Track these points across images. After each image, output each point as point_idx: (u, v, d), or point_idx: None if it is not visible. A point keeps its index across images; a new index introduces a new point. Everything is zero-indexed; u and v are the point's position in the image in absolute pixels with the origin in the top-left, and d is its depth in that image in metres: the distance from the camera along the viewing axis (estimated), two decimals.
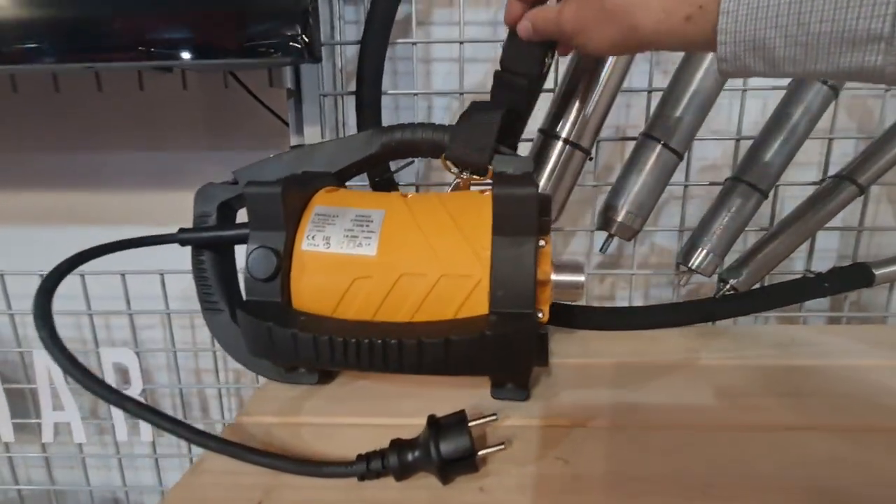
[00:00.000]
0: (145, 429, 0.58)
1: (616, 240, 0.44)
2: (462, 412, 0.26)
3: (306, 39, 0.36)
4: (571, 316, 0.48)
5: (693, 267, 0.45)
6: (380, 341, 0.25)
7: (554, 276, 0.32)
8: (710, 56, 0.39)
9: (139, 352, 0.56)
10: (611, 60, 0.39)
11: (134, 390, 0.55)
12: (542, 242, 0.31)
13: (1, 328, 0.59)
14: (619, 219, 0.43)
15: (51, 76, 0.50)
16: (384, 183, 0.45)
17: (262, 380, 0.36)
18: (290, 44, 0.36)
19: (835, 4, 0.21)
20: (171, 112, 0.60)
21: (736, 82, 0.44)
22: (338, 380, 0.37)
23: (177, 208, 0.63)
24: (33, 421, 0.58)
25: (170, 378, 0.66)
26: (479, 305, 0.28)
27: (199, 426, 0.26)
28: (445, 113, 0.59)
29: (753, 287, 0.47)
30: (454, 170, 0.35)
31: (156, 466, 0.63)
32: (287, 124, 0.50)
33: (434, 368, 0.27)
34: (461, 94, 0.49)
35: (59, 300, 0.29)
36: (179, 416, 0.67)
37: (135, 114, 0.60)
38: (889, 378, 0.37)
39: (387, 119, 0.45)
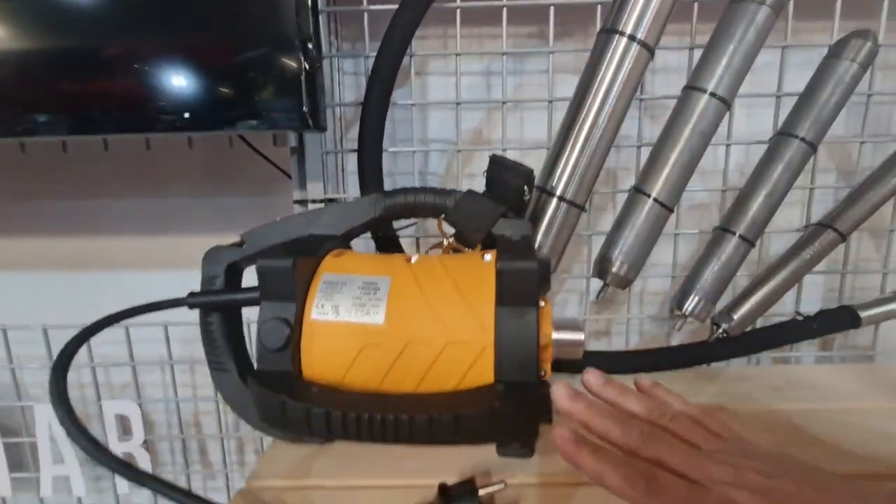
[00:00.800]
0: None
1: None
2: (472, 479, 0.27)
3: (311, 110, 0.38)
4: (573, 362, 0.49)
5: (686, 313, 0.47)
6: (392, 417, 0.26)
7: (555, 336, 0.33)
8: (696, 113, 0.42)
9: (141, 402, 0.56)
10: (603, 118, 0.41)
11: (136, 441, 0.55)
12: (541, 303, 0.33)
13: (3, 381, 0.59)
14: (614, 270, 0.44)
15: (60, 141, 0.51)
16: (386, 240, 0.46)
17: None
18: (296, 114, 0.37)
19: None
20: (174, 163, 0.62)
21: (721, 136, 0.46)
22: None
23: (181, 253, 0.64)
24: (32, 475, 0.57)
25: (168, 419, 0.66)
26: (484, 373, 0.29)
27: (200, 476, 0.26)
28: (441, 157, 0.61)
29: (745, 330, 0.48)
30: (447, 232, 0.36)
31: None
32: (290, 177, 0.51)
33: (444, 440, 0.27)
34: (458, 150, 0.51)
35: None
36: (178, 460, 0.66)
37: (140, 164, 0.61)
38: (882, 422, 0.38)
39: (385, 165, 0.46)
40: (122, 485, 0.56)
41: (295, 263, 0.30)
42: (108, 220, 0.64)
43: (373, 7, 0.48)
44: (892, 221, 0.52)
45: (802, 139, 0.43)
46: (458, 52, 0.49)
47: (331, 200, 0.50)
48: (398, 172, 0.61)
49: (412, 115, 0.56)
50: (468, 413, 0.26)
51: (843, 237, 0.46)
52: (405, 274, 0.33)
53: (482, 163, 0.38)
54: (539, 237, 0.43)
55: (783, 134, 0.44)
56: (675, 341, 0.53)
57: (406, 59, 0.44)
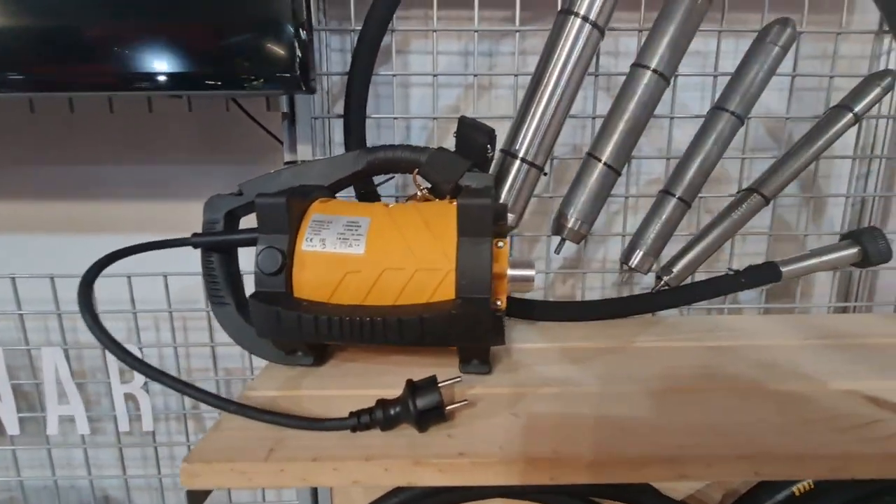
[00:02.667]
0: (147, 420, 0.62)
1: (576, 248, 0.52)
2: (433, 376, 0.33)
3: (302, 74, 0.43)
4: (532, 309, 0.56)
5: (632, 266, 0.53)
6: (368, 319, 0.32)
7: (509, 271, 0.39)
8: (641, 87, 0.48)
9: (141, 346, 0.61)
10: (560, 88, 0.46)
11: (136, 384, 0.60)
12: (500, 244, 0.39)
13: (11, 330, 0.63)
14: (569, 225, 0.50)
15: (67, 100, 0.55)
16: (368, 195, 0.52)
17: (255, 374, 0.42)
18: (288, 77, 0.43)
19: None
20: (175, 129, 0.66)
21: (663, 110, 0.52)
22: (330, 362, 0.43)
23: (179, 216, 0.69)
24: (39, 415, 0.62)
25: (162, 363, 0.71)
26: (447, 292, 0.35)
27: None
28: (422, 132, 0.66)
29: (683, 283, 0.55)
30: (421, 184, 0.42)
31: (155, 455, 0.67)
32: (282, 143, 0.56)
33: (411, 341, 0.33)
34: (434, 118, 0.57)
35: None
36: (172, 405, 0.71)
37: (142, 130, 0.66)
38: (782, 353, 0.45)
39: (370, 138, 0.52)
40: (124, 423, 0.62)
41: (288, 200, 0.35)
42: (112, 186, 0.69)
43: None
44: (811, 189, 0.59)
45: (732, 112, 0.49)
46: (434, 28, 0.55)
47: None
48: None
49: (393, 91, 0.61)
50: (430, 315, 0.32)
51: (767, 200, 0.52)
52: (383, 215, 0.39)
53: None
54: (503, 195, 0.49)
55: (717, 108, 0.50)
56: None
57: (388, 37, 0.49)
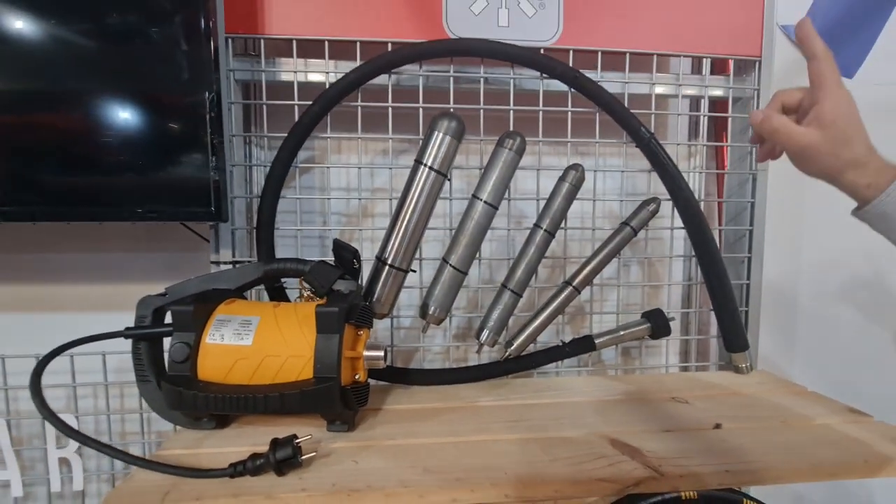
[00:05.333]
0: (78, 481, 0.71)
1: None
2: (293, 435, 0.46)
3: (216, 208, 0.59)
4: (407, 375, 0.70)
5: (482, 342, 0.69)
6: (251, 395, 0.46)
7: (365, 353, 0.54)
8: (476, 212, 0.66)
9: (78, 416, 0.71)
10: (416, 214, 0.63)
11: (71, 448, 0.70)
12: (360, 332, 0.54)
13: None
14: (430, 312, 0.66)
15: None
16: (276, 290, 0.66)
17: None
18: (203, 211, 0.58)
19: None
20: (115, 227, 0.79)
21: (503, 223, 0.71)
22: (232, 426, 0.56)
23: (119, 299, 0.81)
24: None
25: (97, 428, 0.79)
26: (309, 373, 0.49)
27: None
28: (338, 223, 0.82)
29: (523, 353, 0.71)
30: (305, 288, 0.58)
31: None
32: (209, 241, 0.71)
33: (282, 411, 0.47)
34: (330, 228, 0.73)
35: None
36: (104, 466, 0.79)
37: (88, 230, 0.79)
38: (579, 408, 0.61)
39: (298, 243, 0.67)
40: (56, 483, 0.70)
41: (194, 307, 0.50)
42: (59, 271, 0.80)
43: (270, 135, 0.70)
44: (618, 277, 0.79)
45: (545, 230, 0.68)
46: (329, 165, 0.72)
47: (237, 262, 0.70)
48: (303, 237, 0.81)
49: (297, 210, 0.76)
50: (288, 392, 0.46)
51: (578, 291, 0.71)
52: (270, 314, 0.53)
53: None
54: (377, 291, 0.64)
55: (536, 226, 0.69)
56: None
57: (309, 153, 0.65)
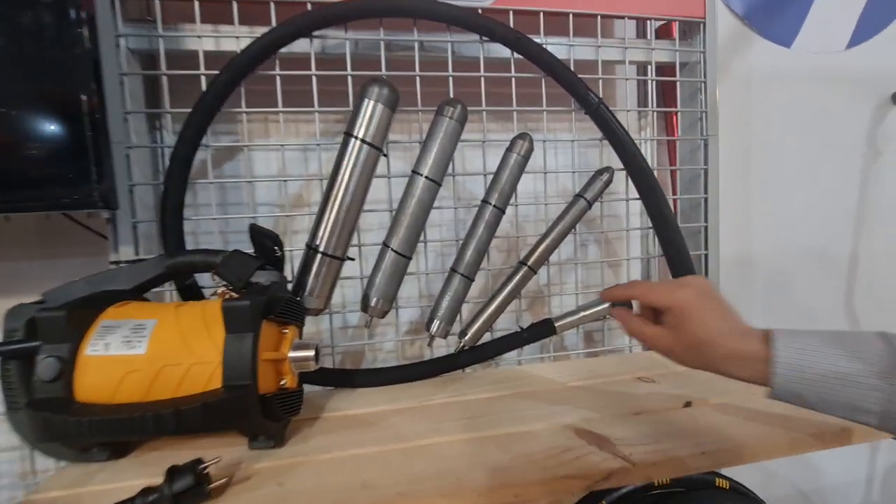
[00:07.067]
0: None
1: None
2: (196, 460, 0.38)
3: (101, 195, 0.49)
4: (351, 377, 0.63)
5: (433, 333, 0.62)
6: (127, 417, 0.37)
7: (290, 353, 0.46)
8: (418, 189, 0.59)
9: None
10: (349, 194, 0.56)
11: None
12: (285, 330, 0.46)
13: None
14: (373, 304, 0.59)
15: None
16: (188, 288, 0.57)
17: None
18: (86, 198, 0.48)
19: (844, 389, 0.34)
20: (11, 229, 0.67)
21: (449, 202, 0.64)
22: (133, 453, 0.46)
23: None
24: None
25: None
26: (218, 382, 0.41)
27: None
28: (268, 217, 0.72)
29: (479, 342, 0.65)
30: (219, 282, 0.49)
31: None
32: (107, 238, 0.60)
33: (172, 431, 0.38)
34: (253, 216, 0.64)
35: None
36: None
37: None
38: (543, 396, 0.56)
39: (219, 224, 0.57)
40: None
41: (68, 313, 0.40)
42: None
43: (172, 111, 0.61)
44: (575, 256, 0.74)
45: (494, 205, 0.62)
46: (247, 143, 0.63)
47: (141, 260, 0.60)
48: (230, 231, 0.71)
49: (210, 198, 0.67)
50: (187, 407, 0.38)
51: (534, 270, 0.65)
52: (170, 316, 0.44)
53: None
54: (309, 283, 0.56)
55: (484, 201, 0.63)
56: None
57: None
